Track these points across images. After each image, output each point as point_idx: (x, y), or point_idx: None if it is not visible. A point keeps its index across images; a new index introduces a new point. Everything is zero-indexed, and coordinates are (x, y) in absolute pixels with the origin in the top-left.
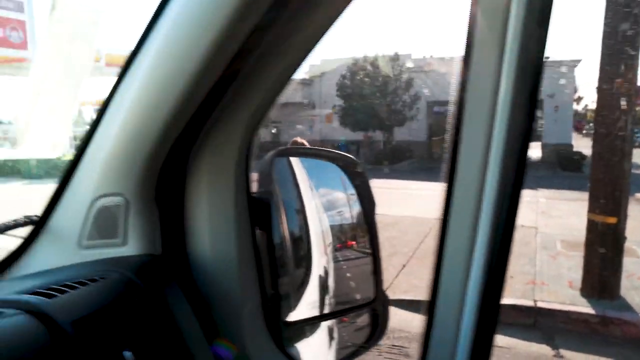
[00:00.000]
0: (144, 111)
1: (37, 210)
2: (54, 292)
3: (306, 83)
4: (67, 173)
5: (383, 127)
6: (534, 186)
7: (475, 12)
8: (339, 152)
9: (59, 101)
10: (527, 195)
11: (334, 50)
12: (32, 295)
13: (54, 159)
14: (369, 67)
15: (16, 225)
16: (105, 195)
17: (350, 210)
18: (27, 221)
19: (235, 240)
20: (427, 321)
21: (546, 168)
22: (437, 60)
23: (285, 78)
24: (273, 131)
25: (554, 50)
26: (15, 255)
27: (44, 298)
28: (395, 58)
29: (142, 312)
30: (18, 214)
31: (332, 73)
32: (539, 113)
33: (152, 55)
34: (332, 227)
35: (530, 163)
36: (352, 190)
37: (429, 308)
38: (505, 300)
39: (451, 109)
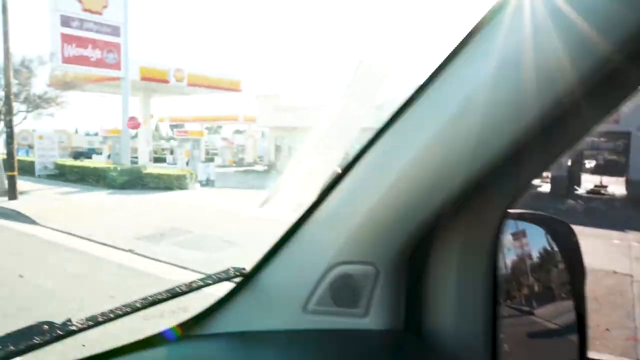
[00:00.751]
0: (425, 179)
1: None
2: None
3: None
4: (291, 230)
5: None
6: (622, 227)
7: None
8: (551, 215)
9: (321, 162)
10: (616, 238)
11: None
12: None
13: (139, 168)
14: None
15: (226, 278)
16: (350, 263)
17: (556, 279)
18: (237, 274)
19: (481, 318)
20: None
21: (633, 207)
22: None
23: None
24: None
25: None
26: (216, 307)
27: None
28: None
29: None
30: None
31: None
32: (622, 144)
33: (451, 112)
34: (536, 292)
35: (613, 200)
36: (559, 257)
37: None
38: (604, 357)
39: None
